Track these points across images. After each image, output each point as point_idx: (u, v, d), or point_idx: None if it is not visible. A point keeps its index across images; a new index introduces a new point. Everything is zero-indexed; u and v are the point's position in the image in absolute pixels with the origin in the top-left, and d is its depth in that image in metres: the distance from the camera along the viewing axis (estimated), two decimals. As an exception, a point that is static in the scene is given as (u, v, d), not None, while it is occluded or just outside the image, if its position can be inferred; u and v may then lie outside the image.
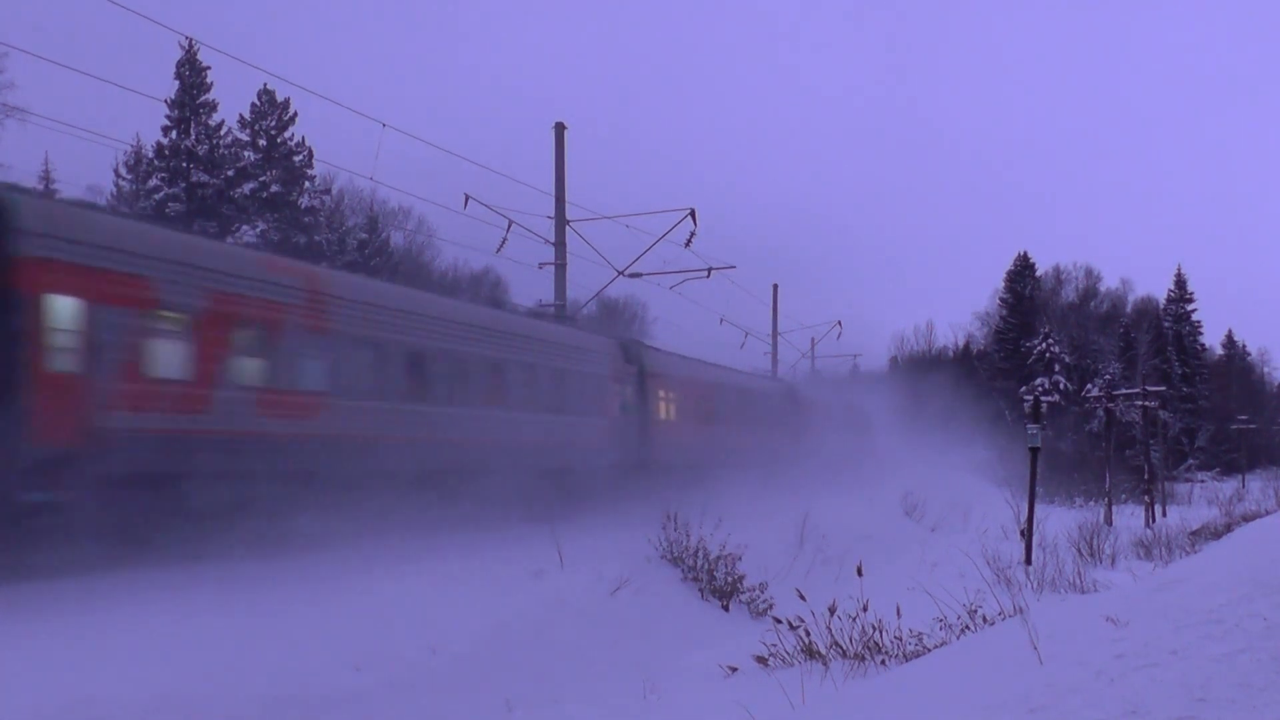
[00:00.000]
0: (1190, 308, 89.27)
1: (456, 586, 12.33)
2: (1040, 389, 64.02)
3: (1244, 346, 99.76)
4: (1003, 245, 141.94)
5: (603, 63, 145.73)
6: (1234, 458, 75.27)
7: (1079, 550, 20.75)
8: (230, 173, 46.04)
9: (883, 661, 9.69)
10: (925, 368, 75.91)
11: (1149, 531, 28.39)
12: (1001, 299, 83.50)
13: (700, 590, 15.83)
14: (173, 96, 44.70)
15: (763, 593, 15.70)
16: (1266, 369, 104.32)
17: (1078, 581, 14.63)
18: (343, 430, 14.78)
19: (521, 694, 10.16)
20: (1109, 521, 32.47)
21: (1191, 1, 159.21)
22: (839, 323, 48.42)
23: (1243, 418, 72.95)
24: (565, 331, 22.64)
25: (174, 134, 45.26)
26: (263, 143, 47.83)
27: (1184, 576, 8.46)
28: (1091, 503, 40.69)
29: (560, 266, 25.56)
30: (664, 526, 16.16)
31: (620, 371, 23.98)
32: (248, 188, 46.20)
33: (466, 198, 23.80)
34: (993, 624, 9.97)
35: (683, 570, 16.00)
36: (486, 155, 23.47)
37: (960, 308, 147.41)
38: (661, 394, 26.00)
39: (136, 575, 10.96)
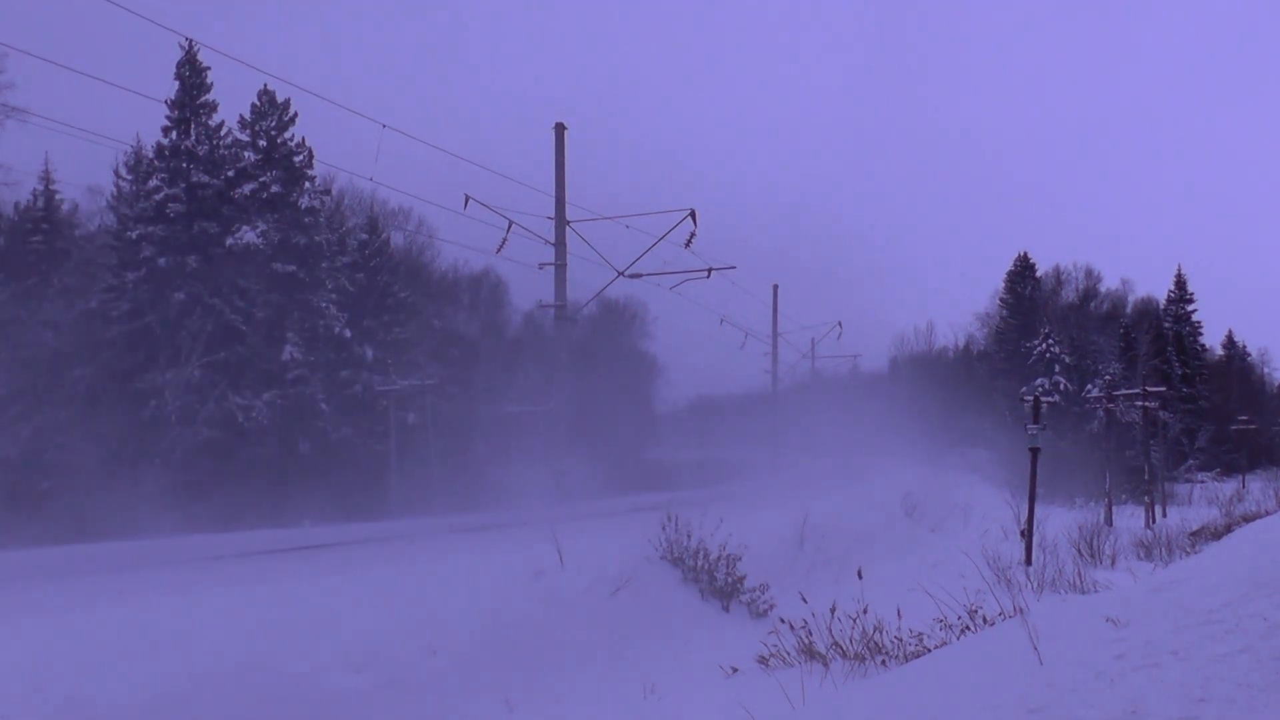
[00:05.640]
0: (1190, 308, 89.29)
1: (456, 586, 12.32)
2: (1040, 389, 63.87)
3: (1244, 347, 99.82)
4: (1003, 245, 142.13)
5: (603, 63, 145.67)
6: (1234, 458, 75.18)
7: (1079, 551, 20.77)
8: (230, 173, 46.00)
9: (883, 662, 9.68)
10: (921, 367, 75.85)
11: (1149, 532, 28.40)
12: (1001, 299, 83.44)
13: (700, 591, 15.82)
14: (173, 97, 44.66)
15: (763, 593, 15.71)
16: (1266, 369, 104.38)
17: (1078, 582, 14.62)
18: None
19: (521, 694, 10.15)
20: (1109, 522, 32.49)
21: (1191, 1, 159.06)
22: (839, 323, 48.52)
23: (1243, 418, 72.94)
24: None
25: (174, 134, 45.19)
26: (263, 143, 47.77)
27: (1184, 577, 8.46)
28: (1091, 503, 40.67)
29: (560, 267, 25.58)
30: (664, 527, 16.16)
31: None
32: (248, 188, 46.15)
33: (466, 198, 23.86)
34: (993, 624, 9.96)
35: (683, 571, 15.99)
36: (486, 155, 23.56)
37: (960, 308, 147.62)
38: None
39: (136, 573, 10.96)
